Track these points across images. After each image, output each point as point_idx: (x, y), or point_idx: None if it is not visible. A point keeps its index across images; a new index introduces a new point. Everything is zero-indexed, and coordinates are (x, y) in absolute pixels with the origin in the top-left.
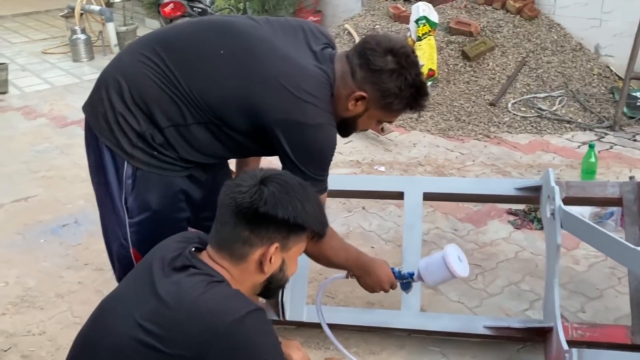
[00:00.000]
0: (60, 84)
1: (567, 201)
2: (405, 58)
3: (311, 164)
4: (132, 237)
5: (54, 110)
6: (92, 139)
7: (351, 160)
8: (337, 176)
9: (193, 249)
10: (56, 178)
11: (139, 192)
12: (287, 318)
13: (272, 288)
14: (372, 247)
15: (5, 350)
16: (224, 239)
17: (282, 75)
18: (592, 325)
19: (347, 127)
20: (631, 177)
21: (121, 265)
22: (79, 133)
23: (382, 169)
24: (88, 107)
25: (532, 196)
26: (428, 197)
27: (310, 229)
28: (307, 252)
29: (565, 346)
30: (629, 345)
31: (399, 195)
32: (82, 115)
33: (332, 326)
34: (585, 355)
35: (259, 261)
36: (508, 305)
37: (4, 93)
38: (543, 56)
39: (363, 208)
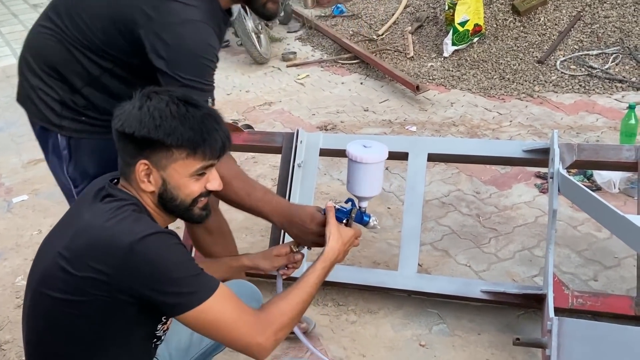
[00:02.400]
0: None
1: (579, 165)
2: None
3: (183, 67)
4: None
5: None
6: (31, 123)
7: (383, 119)
8: (346, 136)
9: (115, 180)
10: None
11: (77, 161)
12: None
13: (171, 207)
14: (389, 208)
15: None
16: (120, 163)
17: None
18: (594, 294)
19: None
20: None
21: None
22: None
23: (414, 128)
24: (18, 97)
25: (540, 159)
26: (433, 158)
27: (174, 145)
28: (218, 196)
29: (551, 314)
30: (631, 317)
31: (404, 156)
32: None
33: (330, 284)
34: (565, 324)
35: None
36: (517, 270)
37: None
38: (600, 10)
39: (387, 169)
